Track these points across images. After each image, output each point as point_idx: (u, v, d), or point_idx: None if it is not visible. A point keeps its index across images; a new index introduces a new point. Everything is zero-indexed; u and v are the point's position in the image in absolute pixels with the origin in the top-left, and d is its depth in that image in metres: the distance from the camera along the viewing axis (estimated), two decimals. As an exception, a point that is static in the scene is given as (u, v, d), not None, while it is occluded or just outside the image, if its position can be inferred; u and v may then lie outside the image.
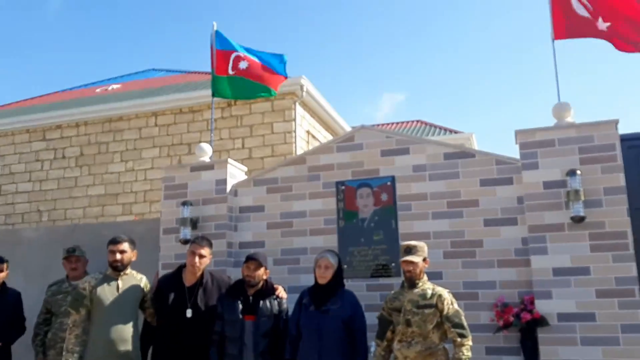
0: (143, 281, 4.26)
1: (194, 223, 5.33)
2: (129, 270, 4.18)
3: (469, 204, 4.81)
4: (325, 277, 4.08)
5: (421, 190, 4.96)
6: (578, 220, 4.31)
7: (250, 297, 4.09)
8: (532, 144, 4.62)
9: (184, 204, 5.32)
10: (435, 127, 17.41)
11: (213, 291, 4.19)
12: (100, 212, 11.03)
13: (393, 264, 4.92)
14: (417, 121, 18.45)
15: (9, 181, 11.71)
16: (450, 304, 3.78)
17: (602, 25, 4.87)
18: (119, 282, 4.10)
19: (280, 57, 6.11)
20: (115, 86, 14.08)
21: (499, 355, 4.49)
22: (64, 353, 3.93)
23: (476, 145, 16.02)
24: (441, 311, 3.76)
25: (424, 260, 3.91)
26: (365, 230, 5.05)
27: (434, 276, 4.71)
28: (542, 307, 4.32)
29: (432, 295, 3.80)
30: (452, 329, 3.71)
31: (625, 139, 4.57)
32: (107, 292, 4.01)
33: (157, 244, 5.55)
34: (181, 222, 5.30)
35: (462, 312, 3.80)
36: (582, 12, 4.92)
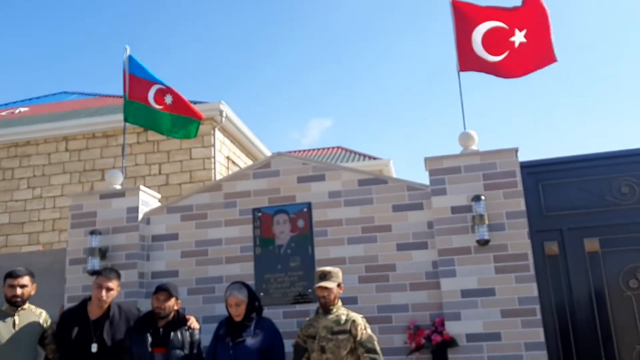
0: (42, 316, 4.04)
1: (102, 253, 5.12)
2: (27, 305, 3.95)
3: (382, 229, 4.93)
4: (238, 314, 4.03)
5: (337, 216, 5.03)
6: (483, 243, 4.52)
7: (161, 329, 3.96)
8: (440, 171, 4.82)
9: (92, 232, 5.11)
10: (356, 153, 17.83)
11: (120, 324, 4.02)
12: (4, 242, 10.37)
13: (310, 290, 4.93)
14: (338, 147, 18.82)
15: None
16: (364, 329, 3.82)
17: (493, 58, 5.22)
18: (16, 318, 3.86)
19: None
20: (23, 109, 13.40)
21: (413, 377, 4.58)
22: None
23: (393, 171, 16.50)
24: (355, 337, 3.78)
25: (339, 285, 3.94)
26: (282, 256, 5.04)
27: (349, 301, 4.76)
28: (451, 328, 4.46)
29: (346, 321, 3.83)
30: (365, 354, 3.75)
31: (525, 166, 4.86)
32: (2, 329, 3.76)
33: (63, 276, 5.28)
34: (89, 252, 5.07)
35: (375, 337, 3.85)
36: (477, 47, 5.25)
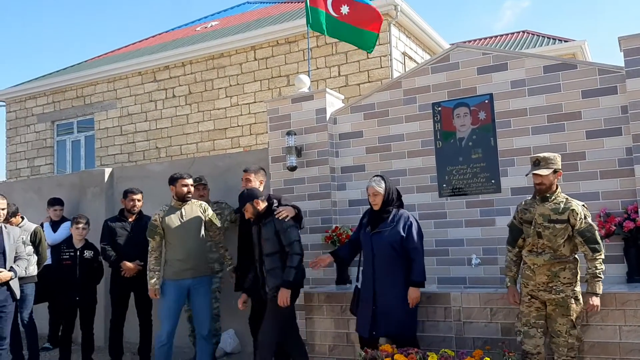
0: (203, 206, 5.11)
1: (298, 151, 5.70)
2: (190, 201, 5.05)
3: (571, 116, 4.75)
4: (376, 203, 4.33)
5: (520, 106, 4.94)
6: (688, 126, 4.16)
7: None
8: (637, 51, 4.42)
9: (289, 133, 5.68)
10: (544, 36, 16.37)
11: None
12: (212, 147, 11.81)
13: (492, 181, 5.02)
14: (524, 32, 17.40)
15: (128, 122, 12.78)
16: (584, 218, 3.70)
17: None
18: (182, 210, 4.97)
19: None
20: (213, 23, 14.58)
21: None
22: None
23: (589, 54, 14.98)
24: (573, 226, 3.70)
25: (555, 172, 3.75)
26: (463, 149, 5.15)
27: (528, 191, 4.75)
28: (647, 216, 4.29)
29: (565, 209, 3.71)
30: (584, 244, 3.68)
31: None
32: (174, 219, 4.91)
33: (267, 172, 5.99)
34: (287, 151, 5.69)
35: (595, 227, 3.74)
36: None
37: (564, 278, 3.74)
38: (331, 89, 7.64)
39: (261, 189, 4.93)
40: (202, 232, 5.05)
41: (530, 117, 4.89)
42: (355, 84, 10.62)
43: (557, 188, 3.81)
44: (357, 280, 4.53)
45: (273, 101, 6.05)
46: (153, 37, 15.76)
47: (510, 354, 3.71)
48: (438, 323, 4.51)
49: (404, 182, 5.40)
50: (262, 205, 4.48)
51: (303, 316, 4.95)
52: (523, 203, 3.97)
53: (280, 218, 4.40)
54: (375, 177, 4.42)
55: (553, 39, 15.72)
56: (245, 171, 5.03)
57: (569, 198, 3.79)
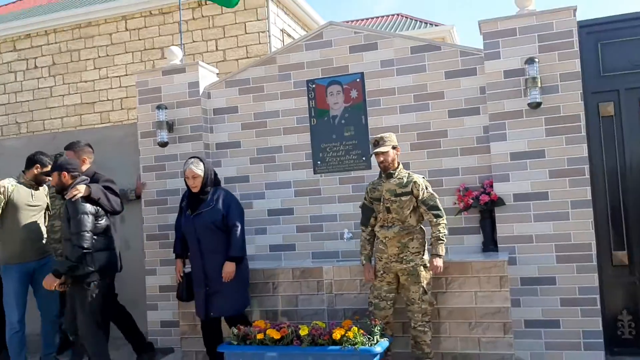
0: (46, 188, 4.98)
1: (170, 126, 5.48)
2: None
3: (435, 96, 4.99)
4: (195, 186, 4.35)
5: (389, 85, 5.10)
6: (534, 106, 4.54)
7: None
8: (495, 34, 4.73)
9: (159, 107, 5.44)
10: (417, 20, 17.10)
11: None
12: (79, 122, 11.04)
13: (364, 158, 5.17)
14: (397, 15, 18.07)
15: (-16, 94, 11.58)
16: (425, 188, 4.05)
17: None
18: (32, 190, 4.83)
19: None
20: (81, -10, 13.55)
21: (461, 234, 4.88)
22: None
23: (457, 38, 15.87)
24: (417, 197, 4.03)
25: (394, 148, 4.10)
26: (337, 127, 5.24)
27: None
28: (499, 189, 4.64)
29: (408, 183, 4.04)
30: (428, 211, 4.01)
31: (584, 25, 4.69)
32: (23, 196, 4.72)
33: (136, 148, 5.72)
34: (157, 126, 5.45)
35: (436, 196, 4.10)
36: None
37: (413, 248, 4.03)
38: (208, 63, 7.42)
39: (85, 167, 4.79)
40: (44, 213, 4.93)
41: (398, 97, 5.07)
42: (234, 59, 10.39)
43: (398, 165, 4.14)
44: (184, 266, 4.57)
45: (142, 73, 5.76)
46: (14, 2, 14.35)
47: (375, 322, 3.87)
48: (311, 297, 4.61)
49: (280, 159, 5.40)
50: (69, 179, 4.28)
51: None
52: (371, 184, 4.26)
53: (67, 197, 4.22)
54: (193, 159, 4.38)
55: (425, 22, 16.49)
56: (66, 148, 4.94)
57: (411, 172, 4.15)
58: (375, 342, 3.75)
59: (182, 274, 4.55)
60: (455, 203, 4.85)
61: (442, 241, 3.97)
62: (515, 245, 4.60)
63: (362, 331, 3.79)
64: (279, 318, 4.65)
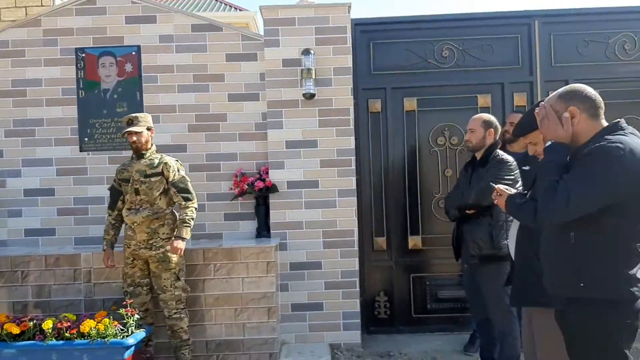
0: None
1: None
2: None
3: (215, 78, 4.85)
4: None
5: (168, 62, 4.83)
6: (309, 97, 4.66)
7: None
8: (275, 21, 4.75)
9: None
10: (222, 2, 16.84)
11: None
12: None
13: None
14: (203, -7, 17.61)
15: None
16: (177, 171, 3.93)
17: None
18: None
19: None
20: None
21: (236, 220, 4.84)
22: None
23: (260, 25, 15.96)
24: (167, 178, 3.89)
25: (149, 129, 3.94)
26: (108, 101, 4.83)
27: (179, 149, 4.76)
28: (275, 176, 4.69)
29: (159, 164, 3.90)
30: (177, 194, 3.90)
31: (358, 24, 4.95)
32: None
33: None
34: None
35: (188, 179, 3.98)
36: None
37: (163, 234, 3.90)
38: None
39: None
40: None
41: (176, 75, 4.83)
42: (10, 20, 9.15)
43: (152, 146, 3.99)
44: None
45: None
46: None
47: (131, 312, 3.62)
48: (66, 286, 4.20)
49: (41, 133, 4.82)
50: None
51: None
52: (121, 165, 4.08)
53: None
54: None
55: (230, 6, 16.33)
56: None
57: (164, 155, 4.02)
58: (129, 333, 3.52)
59: None
60: (231, 188, 4.79)
61: (187, 224, 3.85)
62: (286, 231, 4.69)
63: (115, 323, 3.54)
64: (30, 311, 4.16)
